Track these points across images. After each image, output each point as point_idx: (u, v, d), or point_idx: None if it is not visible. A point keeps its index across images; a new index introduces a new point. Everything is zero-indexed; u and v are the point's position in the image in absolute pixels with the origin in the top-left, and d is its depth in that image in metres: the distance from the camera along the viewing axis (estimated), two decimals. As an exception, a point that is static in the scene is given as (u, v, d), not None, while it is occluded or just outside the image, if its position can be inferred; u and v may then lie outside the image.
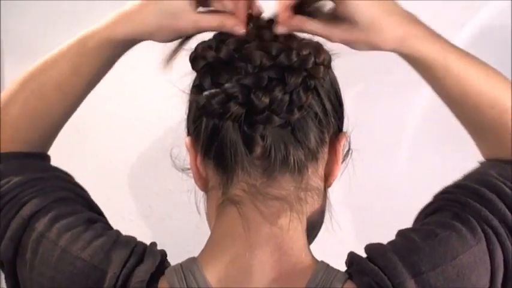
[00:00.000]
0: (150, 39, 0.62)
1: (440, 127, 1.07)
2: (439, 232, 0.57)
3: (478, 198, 0.59)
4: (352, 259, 0.58)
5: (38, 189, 0.62)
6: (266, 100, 0.53)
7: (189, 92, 0.60)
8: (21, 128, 0.67)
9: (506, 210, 0.58)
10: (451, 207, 0.60)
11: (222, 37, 0.57)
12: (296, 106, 0.54)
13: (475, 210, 0.58)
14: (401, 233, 0.60)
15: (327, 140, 0.58)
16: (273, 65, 0.54)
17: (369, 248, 0.58)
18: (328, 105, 0.57)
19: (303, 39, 0.58)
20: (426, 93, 1.09)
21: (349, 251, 0.59)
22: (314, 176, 0.58)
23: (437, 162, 1.08)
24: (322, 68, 0.55)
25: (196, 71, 0.57)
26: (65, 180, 0.67)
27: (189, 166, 0.62)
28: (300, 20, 0.57)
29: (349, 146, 0.62)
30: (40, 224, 0.60)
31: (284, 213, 0.56)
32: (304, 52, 0.54)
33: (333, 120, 0.58)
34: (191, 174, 0.62)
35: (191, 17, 0.59)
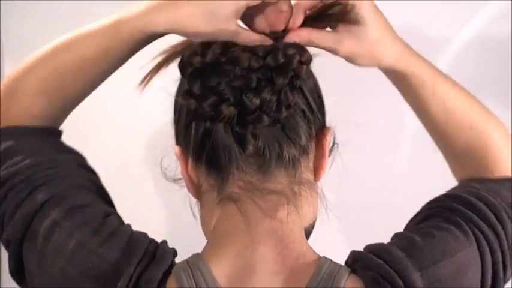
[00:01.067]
0: (185, 37, 0.60)
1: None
2: (436, 233, 0.59)
3: (468, 205, 0.62)
4: (356, 256, 0.58)
5: (52, 173, 0.61)
6: (257, 101, 0.54)
7: (175, 99, 0.61)
8: (37, 104, 0.65)
9: (494, 217, 0.61)
10: (442, 213, 0.63)
11: (205, 43, 0.57)
12: (284, 105, 0.56)
13: (466, 216, 0.61)
14: (398, 235, 0.62)
15: (314, 134, 0.60)
16: (261, 66, 0.55)
17: (371, 246, 0.59)
18: (312, 102, 0.59)
19: (286, 42, 0.58)
20: (426, 93, 1.10)
21: (351, 250, 0.60)
22: (306, 169, 0.60)
23: (437, 162, 1.08)
24: (305, 67, 0.57)
25: (185, 77, 0.57)
26: (79, 164, 0.66)
27: (180, 176, 0.63)
28: (309, 32, 0.58)
29: (334, 140, 0.64)
30: (55, 212, 0.59)
31: (282, 206, 0.57)
32: (290, 52, 0.56)
33: (318, 115, 0.60)
34: (183, 184, 0.63)
35: (233, 27, 0.57)
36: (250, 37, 0.57)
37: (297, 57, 0.56)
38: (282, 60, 0.55)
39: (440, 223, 0.61)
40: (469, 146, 0.66)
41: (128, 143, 1.16)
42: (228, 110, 0.54)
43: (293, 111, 0.57)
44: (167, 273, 0.57)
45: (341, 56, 0.60)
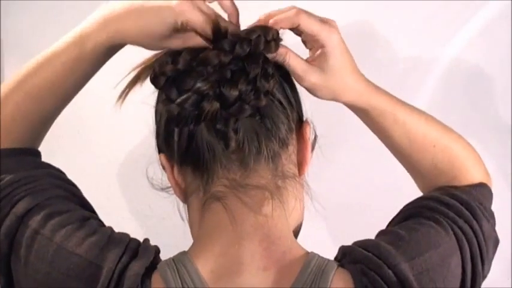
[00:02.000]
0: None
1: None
2: (419, 228, 0.62)
3: (444, 204, 0.65)
4: (345, 250, 0.59)
5: (31, 187, 0.63)
6: (235, 92, 0.55)
7: (154, 111, 0.62)
8: (14, 127, 0.67)
9: (469, 214, 0.64)
10: (421, 212, 0.65)
11: (175, 51, 0.59)
12: (262, 92, 0.56)
13: (444, 213, 0.64)
14: (383, 232, 0.64)
15: (293, 126, 0.61)
16: (232, 59, 0.56)
17: (358, 242, 0.60)
18: (289, 93, 0.60)
19: (248, 28, 0.59)
20: (426, 93, 1.10)
21: (340, 246, 0.61)
22: (288, 162, 0.60)
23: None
24: (273, 43, 0.58)
25: (160, 88, 0.58)
26: (57, 177, 0.67)
27: (167, 185, 0.64)
28: (285, 51, 0.59)
29: (315, 132, 0.64)
30: (34, 222, 0.60)
31: (266, 201, 0.58)
32: (253, 36, 0.57)
33: (295, 106, 0.61)
34: (171, 192, 0.64)
35: (174, 42, 0.59)
36: (196, 41, 0.59)
37: (263, 38, 0.57)
38: (248, 47, 0.56)
39: (421, 220, 0.63)
40: (434, 163, 0.69)
41: (128, 143, 1.16)
42: (211, 106, 0.55)
43: (271, 102, 0.58)
44: (151, 269, 0.57)
45: (302, 86, 0.61)
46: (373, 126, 0.68)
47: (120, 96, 0.61)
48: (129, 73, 0.61)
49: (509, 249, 1.08)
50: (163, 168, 0.63)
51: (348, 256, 0.58)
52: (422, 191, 0.74)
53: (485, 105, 1.09)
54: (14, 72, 0.68)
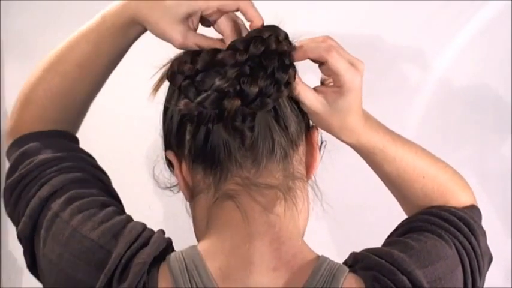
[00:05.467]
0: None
1: (440, 127, 1.07)
2: (426, 240, 0.62)
3: (444, 220, 0.65)
4: (356, 257, 0.59)
5: (57, 169, 0.64)
6: (255, 88, 0.55)
7: (163, 108, 0.62)
8: (47, 107, 0.68)
9: (467, 229, 0.65)
10: (422, 226, 0.65)
11: (193, 51, 0.59)
12: (282, 83, 0.56)
13: (445, 228, 0.64)
14: (389, 242, 0.64)
15: (303, 129, 0.61)
16: (248, 58, 0.56)
17: (370, 249, 0.60)
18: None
19: (258, 28, 0.59)
20: (426, 93, 1.10)
21: (351, 252, 0.60)
22: (298, 164, 0.60)
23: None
24: (284, 43, 0.58)
25: (177, 87, 0.58)
26: (85, 161, 0.69)
27: (173, 183, 0.64)
28: (297, 81, 0.58)
29: (321, 138, 0.64)
30: (56, 204, 0.62)
31: (279, 201, 0.58)
32: (266, 35, 0.57)
33: (304, 113, 0.61)
34: (175, 191, 0.65)
35: (190, 38, 0.60)
36: (201, 42, 0.59)
37: (274, 38, 0.57)
38: (262, 46, 0.56)
39: (425, 233, 0.64)
40: (424, 192, 0.69)
41: (128, 143, 1.16)
42: (232, 103, 0.55)
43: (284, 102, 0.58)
44: (159, 259, 0.57)
45: (303, 107, 0.60)
46: (362, 157, 0.68)
47: (153, 89, 0.62)
48: (162, 67, 0.62)
49: (509, 250, 1.07)
50: (170, 165, 0.63)
51: (360, 262, 0.58)
52: (408, 215, 0.73)
53: (485, 105, 1.09)
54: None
